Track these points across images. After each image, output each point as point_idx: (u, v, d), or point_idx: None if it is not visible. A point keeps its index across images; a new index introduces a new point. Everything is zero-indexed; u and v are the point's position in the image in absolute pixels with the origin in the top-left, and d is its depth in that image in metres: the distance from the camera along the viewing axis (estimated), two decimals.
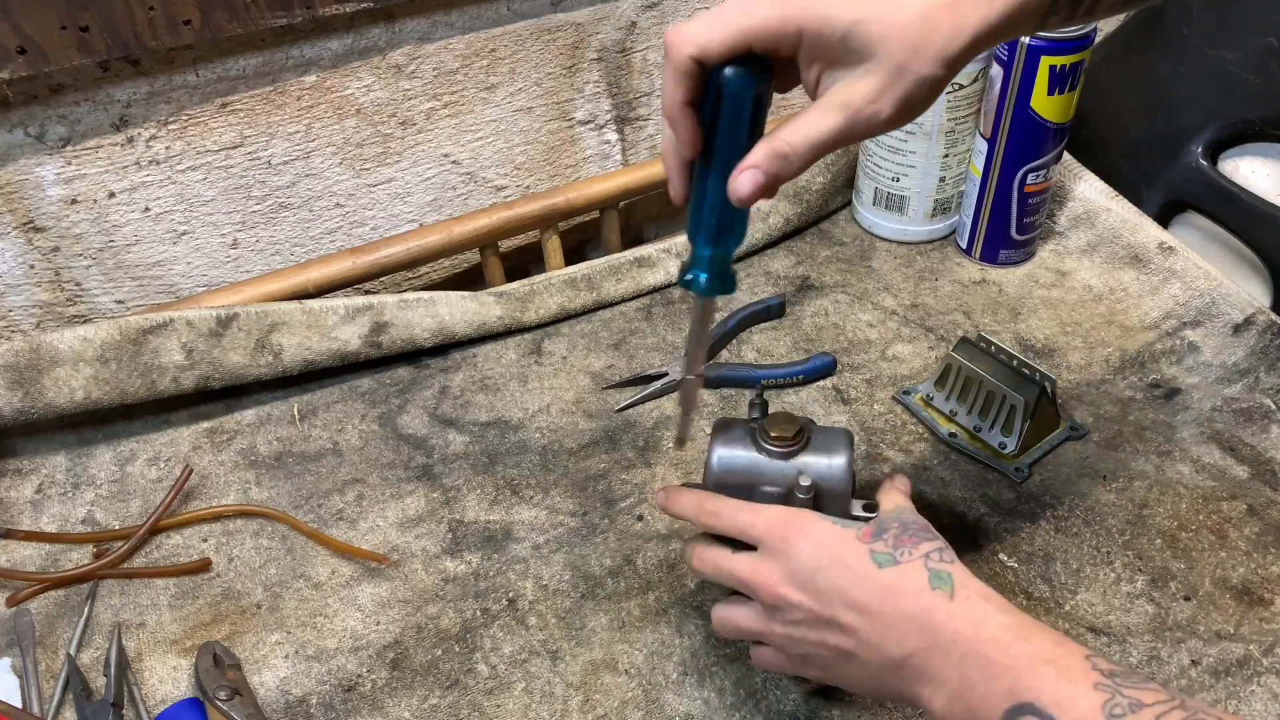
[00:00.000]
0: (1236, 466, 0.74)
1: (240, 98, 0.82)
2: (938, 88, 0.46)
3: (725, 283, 0.51)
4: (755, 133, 0.47)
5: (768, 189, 0.46)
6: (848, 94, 0.45)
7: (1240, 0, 0.88)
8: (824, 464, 0.54)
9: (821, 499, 0.54)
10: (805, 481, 0.53)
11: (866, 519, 0.53)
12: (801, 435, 0.55)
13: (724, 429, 0.57)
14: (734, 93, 0.46)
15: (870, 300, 0.90)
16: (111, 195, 0.82)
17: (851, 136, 0.46)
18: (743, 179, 0.46)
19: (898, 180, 0.92)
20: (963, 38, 0.45)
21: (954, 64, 0.45)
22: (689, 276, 0.51)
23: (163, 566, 0.71)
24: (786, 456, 0.55)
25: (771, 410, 0.57)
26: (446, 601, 0.68)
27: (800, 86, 0.49)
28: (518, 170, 0.98)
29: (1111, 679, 0.42)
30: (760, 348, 0.86)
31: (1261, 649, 0.62)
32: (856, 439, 0.77)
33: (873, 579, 0.47)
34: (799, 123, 0.46)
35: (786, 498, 0.54)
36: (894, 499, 0.54)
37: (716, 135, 0.47)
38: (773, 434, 0.55)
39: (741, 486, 0.55)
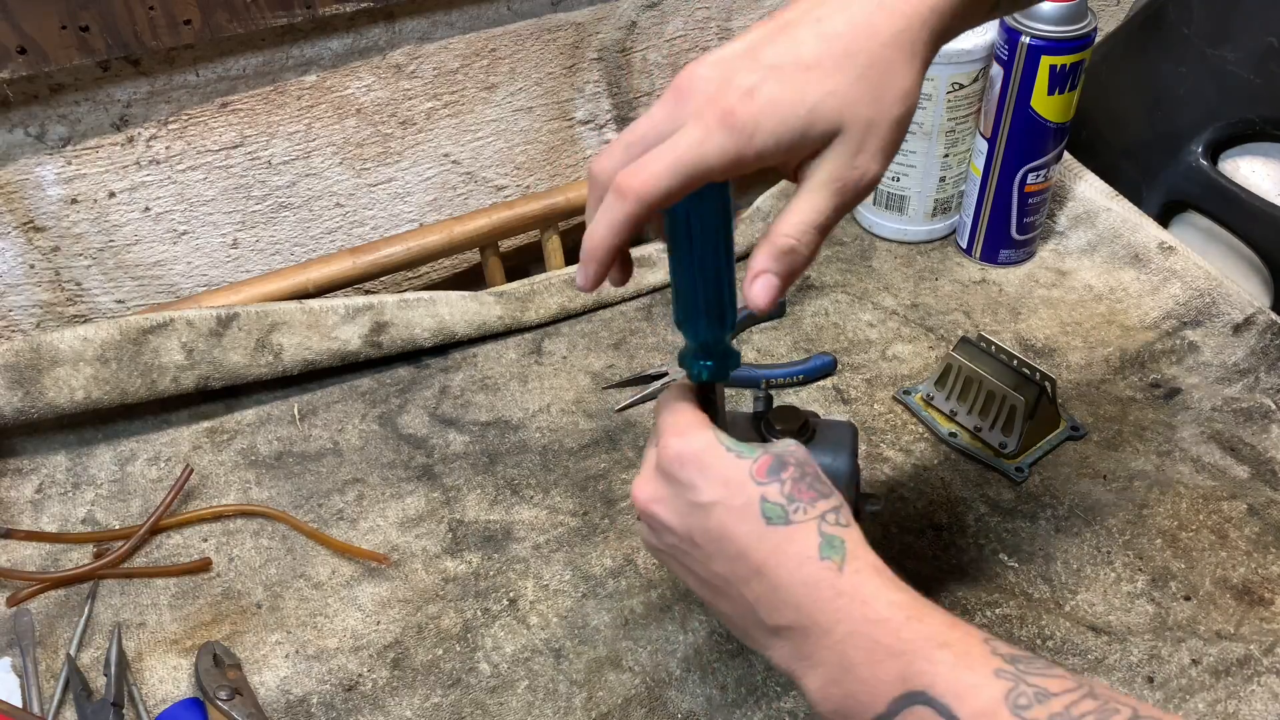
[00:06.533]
0: (1236, 466, 0.74)
1: (240, 97, 0.82)
2: (910, 116, 0.44)
3: (731, 361, 0.50)
4: (728, 214, 0.46)
5: (784, 286, 0.44)
6: (832, 170, 0.43)
7: (1240, 0, 0.88)
8: (828, 459, 0.54)
9: None
10: None
11: (871, 503, 0.55)
12: (806, 429, 0.55)
13: (729, 423, 0.57)
14: (704, 221, 0.45)
15: (870, 300, 0.90)
16: (111, 195, 0.82)
17: (849, 205, 0.44)
18: (757, 287, 0.43)
19: (898, 180, 0.92)
20: (915, 71, 0.43)
21: (914, 93, 0.43)
22: (691, 368, 0.50)
23: (163, 566, 0.71)
24: None
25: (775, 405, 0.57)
26: (447, 601, 0.68)
27: None
28: (518, 170, 0.98)
29: (1014, 665, 0.38)
30: (760, 348, 0.86)
31: (1261, 649, 0.63)
32: None
33: (757, 536, 0.42)
34: (794, 213, 0.43)
35: None
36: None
37: (691, 239, 0.45)
38: (777, 428, 0.55)
39: None
